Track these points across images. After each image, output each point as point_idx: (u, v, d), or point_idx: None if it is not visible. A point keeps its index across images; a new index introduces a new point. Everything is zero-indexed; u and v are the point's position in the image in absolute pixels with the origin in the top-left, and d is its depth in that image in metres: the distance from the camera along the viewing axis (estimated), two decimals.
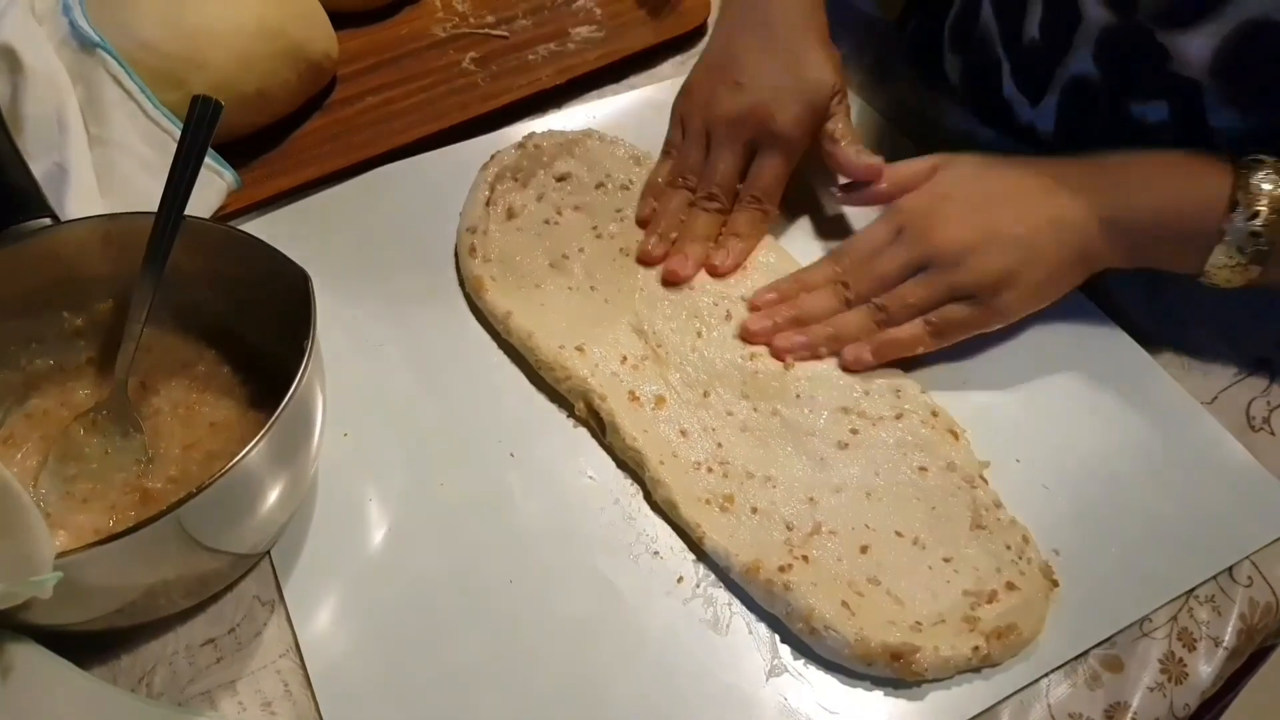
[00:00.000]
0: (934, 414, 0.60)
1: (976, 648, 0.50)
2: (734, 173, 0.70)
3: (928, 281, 0.61)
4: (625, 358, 0.62)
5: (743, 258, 0.68)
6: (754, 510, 0.56)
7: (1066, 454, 0.59)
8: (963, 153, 0.66)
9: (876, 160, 0.67)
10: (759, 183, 0.69)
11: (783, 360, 0.62)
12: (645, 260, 0.68)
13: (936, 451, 0.58)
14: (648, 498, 0.58)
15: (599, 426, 0.60)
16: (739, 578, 0.53)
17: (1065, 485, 0.58)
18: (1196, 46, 0.59)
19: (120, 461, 0.55)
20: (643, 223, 0.70)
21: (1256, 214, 0.56)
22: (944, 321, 0.61)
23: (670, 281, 0.66)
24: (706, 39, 0.76)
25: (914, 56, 0.83)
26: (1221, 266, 0.59)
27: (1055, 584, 0.53)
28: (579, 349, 0.62)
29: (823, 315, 0.63)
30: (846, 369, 0.61)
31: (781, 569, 0.52)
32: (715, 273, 0.67)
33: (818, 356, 0.62)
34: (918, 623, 0.51)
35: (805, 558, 0.53)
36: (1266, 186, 0.56)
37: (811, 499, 0.56)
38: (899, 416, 0.60)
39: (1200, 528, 0.56)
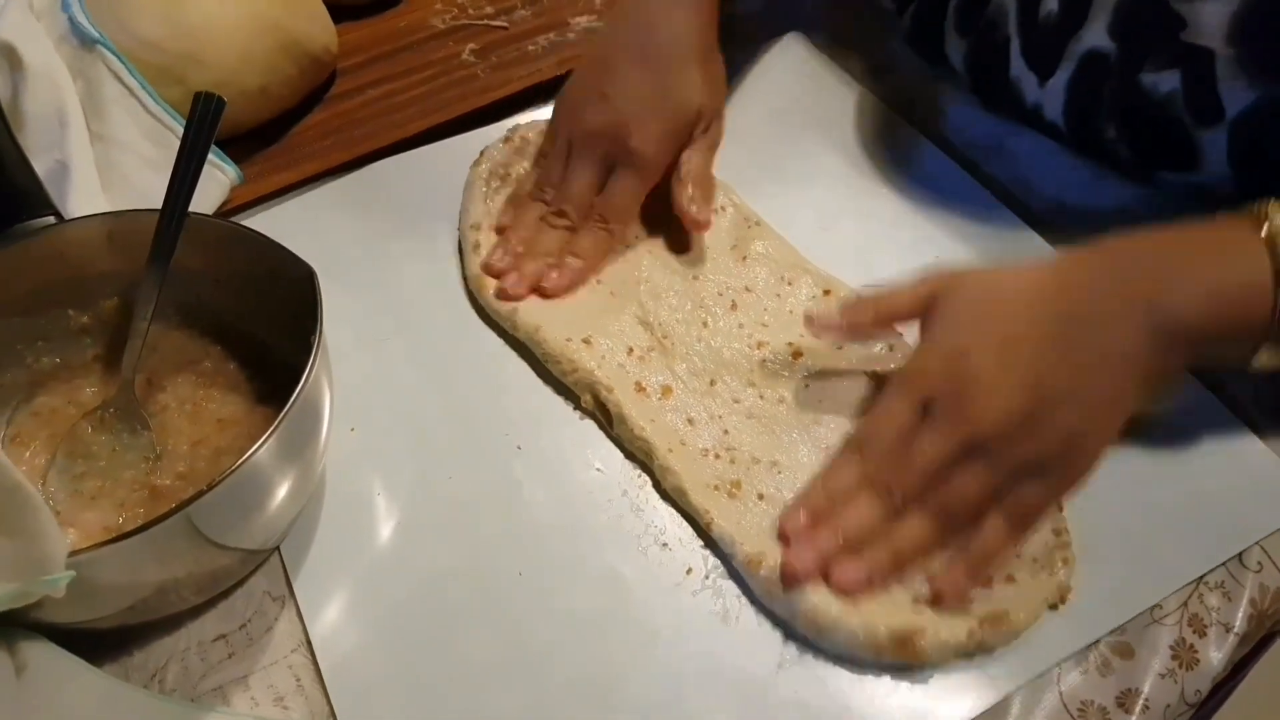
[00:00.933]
0: None
1: (971, 631, 0.50)
2: (587, 189, 0.67)
3: (987, 468, 0.51)
4: (631, 349, 0.62)
5: (577, 280, 0.65)
6: (760, 497, 0.56)
7: None
8: (957, 271, 0.57)
9: (706, 218, 0.66)
10: (609, 203, 0.67)
11: (846, 589, 0.52)
12: (489, 272, 0.66)
13: None
14: (657, 487, 0.58)
15: (606, 418, 0.60)
16: (740, 567, 0.53)
17: None
18: (1213, 13, 0.59)
19: (129, 459, 0.55)
20: (500, 230, 0.69)
21: None
22: (1025, 510, 0.52)
23: (501, 298, 0.64)
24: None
25: (915, 41, 0.83)
26: (1273, 353, 0.52)
27: (1063, 601, 0.53)
28: (585, 341, 0.62)
29: (872, 530, 0.53)
30: (943, 605, 0.51)
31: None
32: (544, 294, 0.64)
33: (876, 586, 0.52)
34: (915, 599, 0.51)
35: None
36: None
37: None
38: None
39: (1211, 514, 0.56)
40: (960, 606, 0.51)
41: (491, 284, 0.65)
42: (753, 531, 0.54)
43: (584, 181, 0.67)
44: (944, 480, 0.52)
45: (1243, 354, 0.52)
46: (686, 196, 0.66)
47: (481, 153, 0.72)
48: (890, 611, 0.51)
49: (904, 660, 0.50)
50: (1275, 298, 0.50)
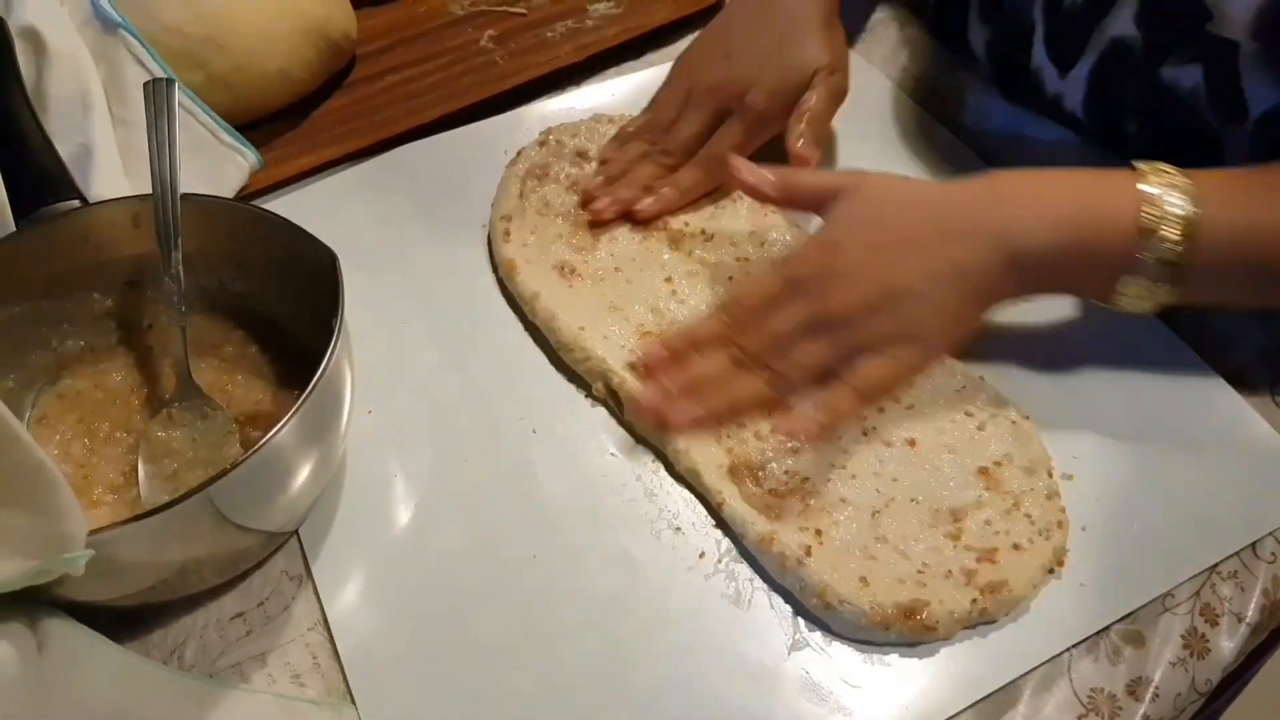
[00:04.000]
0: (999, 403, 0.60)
1: (974, 600, 0.51)
2: (696, 136, 0.70)
3: (826, 342, 0.57)
4: (646, 334, 0.62)
5: (669, 207, 0.69)
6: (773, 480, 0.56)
7: (1088, 429, 0.59)
8: (869, 175, 0.60)
9: (811, 153, 0.67)
10: (716, 145, 0.69)
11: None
12: (585, 197, 0.69)
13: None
14: (670, 470, 0.58)
15: (618, 405, 0.60)
16: (753, 547, 0.54)
17: (1088, 460, 0.58)
18: (1240, 5, 0.59)
19: (214, 439, 0.55)
20: (602, 162, 0.72)
21: (1164, 239, 0.53)
22: (867, 385, 0.56)
23: (591, 221, 0.68)
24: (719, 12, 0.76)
25: (937, 28, 0.83)
26: (1132, 295, 0.56)
27: (1060, 564, 0.54)
28: (599, 331, 0.62)
29: (715, 380, 0.58)
30: (789, 435, 0.56)
31: (796, 545, 0.53)
32: (635, 217, 0.68)
33: (711, 426, 0.58)
34: (920, 571, 0.52)
35: (819, 531, 0.54)
36: (1175, 209, 0.53)
37: (833, 465, 0.57)
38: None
39: (1224, 503, 0.56)
40: (798, 437, 0.56)
41: (525, 266, 0.66)
42: (764, 511, 0.55)
43: (694, 128, 0.70)
44: (790, 347, 0.58)
45: (1102, 288, 0.56)
46: (797, 132, 0.68)
47: (519, 153, 0.73)
48: (896, 588, 0.52)
49: (911, 634, 0.51)
50: (1136, 236, 0.53)
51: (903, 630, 0.51)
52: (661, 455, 0.59)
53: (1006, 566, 0.53)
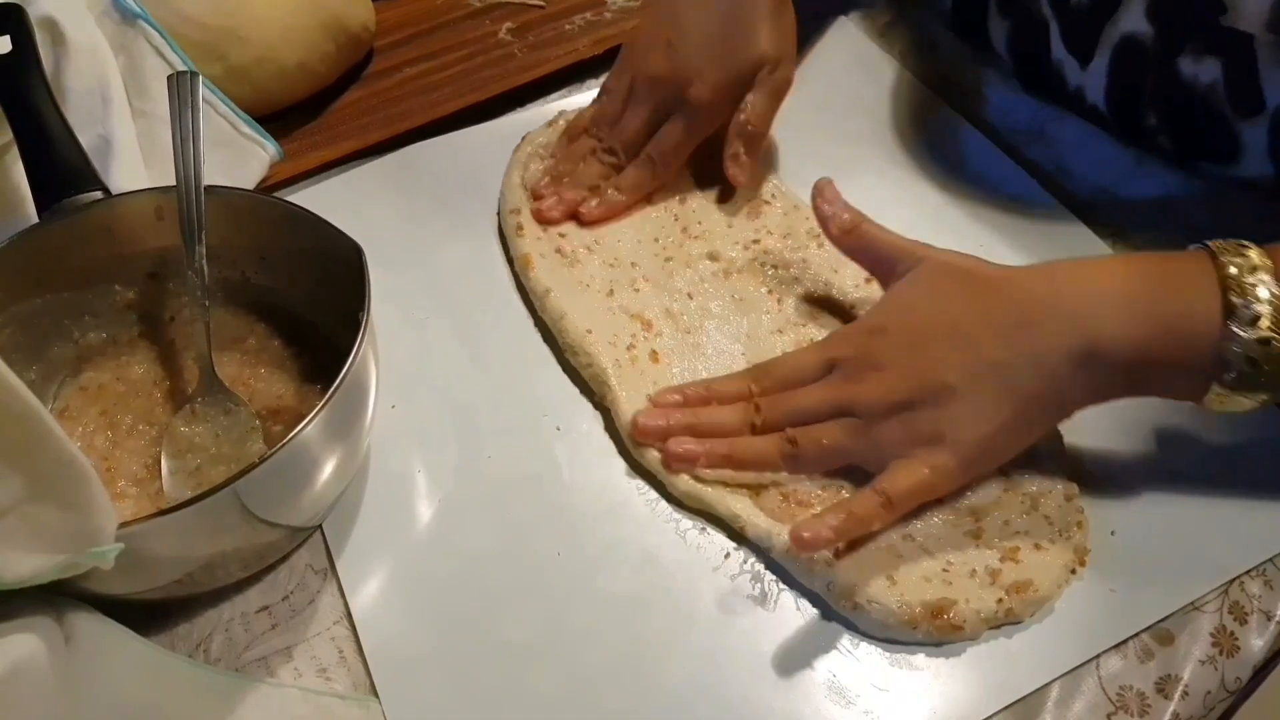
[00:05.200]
0: None
1: (1000, 600, 0.51)
2: (640, 131, 0.68)
3: (847, 430, 0.54)
4: (655, 353, 0.61)
5: (612, 212, 0.67)
6: (784, 497, 0.55)
7: (1117, 436, 0.58)
8: (932, 252, 0.57)
9: (741, 178, 0.67)
10: (659, 144, 0.68)
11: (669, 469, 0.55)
12: (534, 196, 0.68)
13: None
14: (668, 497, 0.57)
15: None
16: (780, 558, 0.53)
17: (1115, 467, 0.57)
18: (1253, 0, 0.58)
19: (237, 435, 0.55)
20: (551, 158, 0.71)
21: (1257, 326, 0.47)
22: (896, 493, 0.51)
23: (539, 220, 0.67)
24: None
25: (957, 22, 0.82)
26: (1225, 395, 0.49)
27: (1082, 564, 0.53)
28: (605, 335, 0.61)
29: (723, 433, 0.56)
30: (801, 547, 0.50)
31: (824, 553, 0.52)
32: (580, 220, 0.67)
33: (702, 466, 0.55)
34: (945, 570, 0.52)
35: None
36: (1264, 293, 0.47)
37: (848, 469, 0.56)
38: None
39: (1253, 510, 0.55)
40: (809, 550, 0.51)
41: (540, 261, 0.65)
42: (787, 522, 0.54)
43: (638, 123, 0.68)
44: (807, 424, 0.55)
45: (1193, 390, 0.50)
46: (731, 151, 0.67)
47: (524, 137, 0.73)
48: (922, 587, 0.51)
49: (939, 633, 0.50)
50: (1222, 335, 0.48)
51: (930, 630, 0.50)
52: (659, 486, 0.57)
53: (1029, 566, 0.52)
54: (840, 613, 0.52)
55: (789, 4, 0.69)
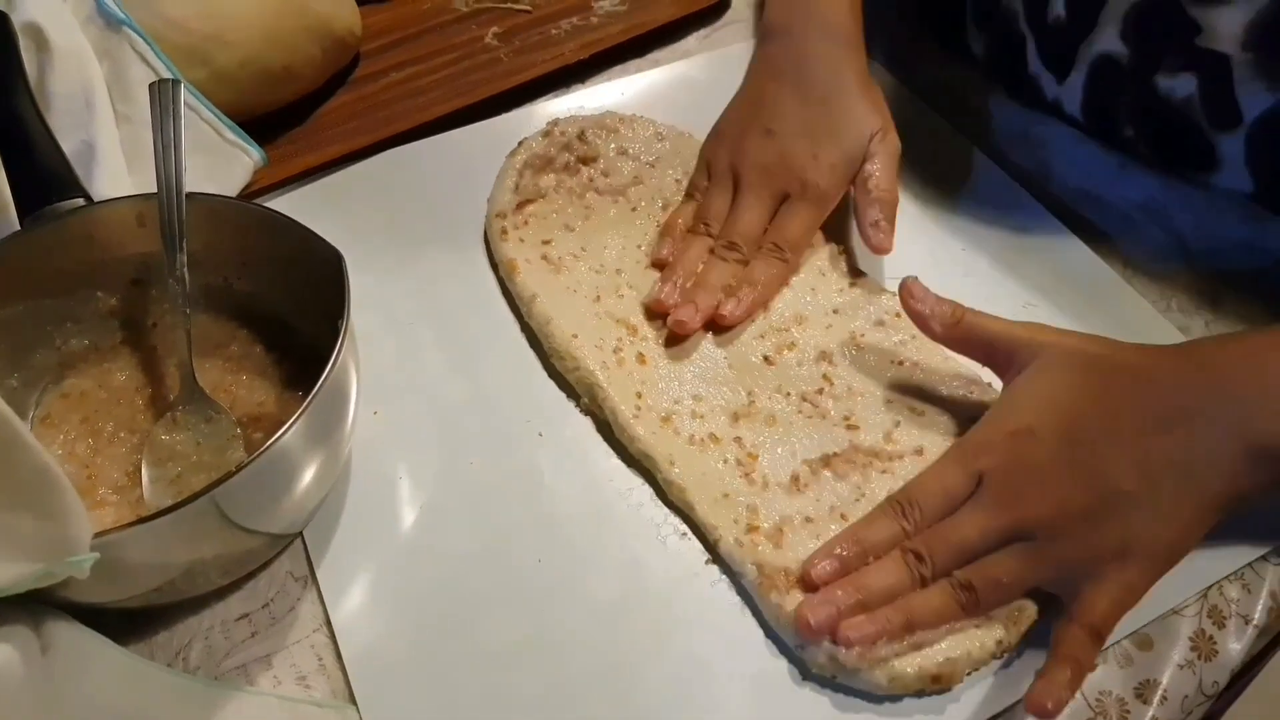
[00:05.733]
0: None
1: (999, 640, 0.50)
2: (759, 222, 0.65)
3: (1026, 557, 0.49)
4: (642, 355, 0.61)
5: (753, 309, 0.63)
6: (773, 524, 0.54)
7: None
8: (1053, 335, 0.54)
9: (888, 243, 0.63)
10: (784, 232, 0.65)
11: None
12: (657, 308, 0.63)
13: None
14: (661, 496, 0.57)
15: (603, 422, 0.60)
16: (750, 588, 0.52)
17: None
18: (1230, 20, 0.59)
19: (218, 443, 0.55)
20: (659, 264, 0.66)
21: None
22: (1103, 623, 0.48)
23: (676, 334, 0.62)
24: (740, 85, 0.72)
25: (939, 31, 0.83)
26: None
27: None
28: (591, 340, 0.61)
29: (892, 594, 0.50)
30: (1043, 715, 0.46)
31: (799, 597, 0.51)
32: (722, 323, 0.62)
33: (883, 643, 0.50)
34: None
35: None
36: None
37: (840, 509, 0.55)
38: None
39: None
40: (1059, 713, 0.47)
41: (525, 266, 0.65)
42: (765, 551, 0.53)
43: (756, 214, 0.65)
44: (979, 560, 0.50)
45: None
46: (870, 220, 0.64)
47: (520, 143, 0.72)
48: (922, 654, 0.49)
49: (935, 691, 0.49)
50: None
51: (926, 690, 0.49)
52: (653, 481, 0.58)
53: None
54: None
55: (873, 83, 0.69)
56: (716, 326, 0.63)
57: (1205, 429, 0.48)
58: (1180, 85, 0.64)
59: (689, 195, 0.70)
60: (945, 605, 0.50)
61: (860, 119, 0.66)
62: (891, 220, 0.64)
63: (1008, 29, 0.73)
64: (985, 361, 0.57)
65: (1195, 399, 0.49)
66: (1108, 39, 0.65)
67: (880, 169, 0.65)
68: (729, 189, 0.67)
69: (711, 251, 0.65)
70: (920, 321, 0.58)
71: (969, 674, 0.50)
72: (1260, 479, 0.48)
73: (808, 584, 0.51)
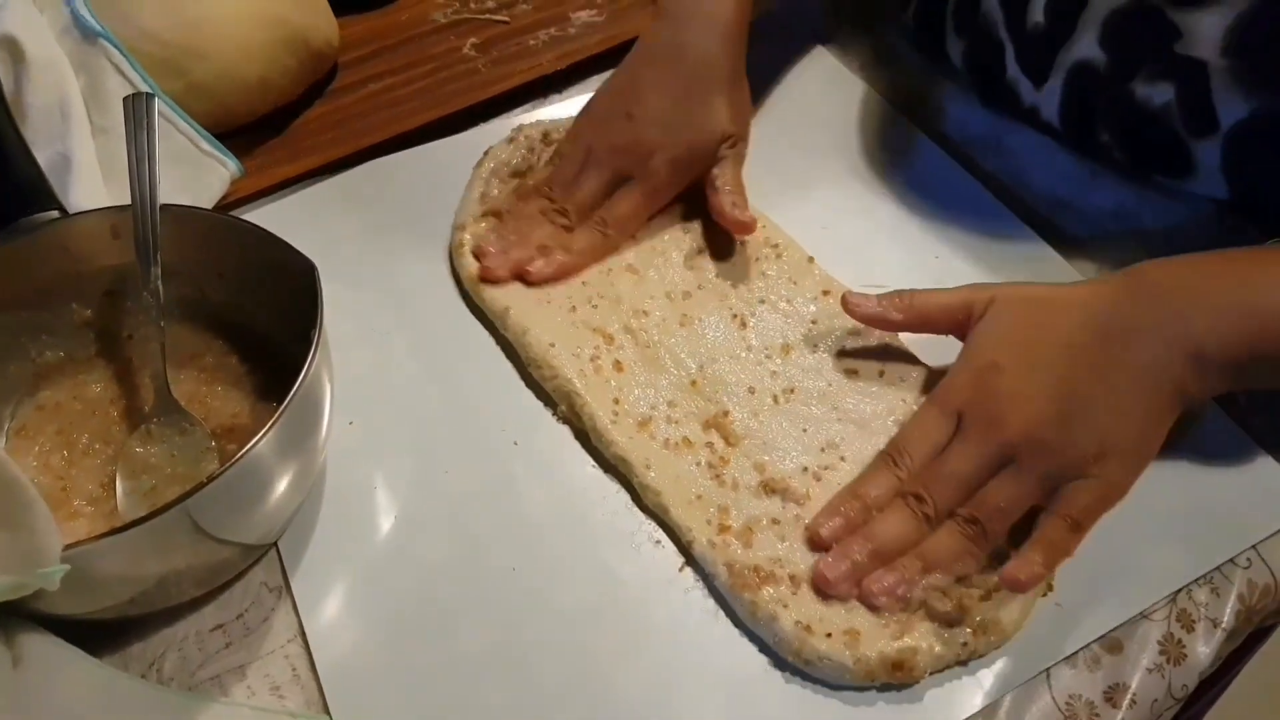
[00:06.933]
0: None
1: (965, 644, 0.50)
2: (594, 196, 0.68)
3: (1016, 478, 0.52)
4: (619, 363, 0.61)
5: (561, 273, 0.66)
6: (746, 525, 0.55)
7: None
8: (999, 287, 0.58)
9: (749, 218, 0.65)
10: (612, 209, 0.67)
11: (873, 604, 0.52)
12: (478, 254, 0.67)
13: None
14: (637, 501, 0.57)
15: (580, 430, 0.60)
16: (724, 589, 0.53)
17: None
18: (1208, 25, 0.59)
19: (192, 455, 0.55)
20: (496, 215, 0.69)
21: None
22: (1083, 515, 0.52)
23: (482, 278, 0.65)
24: (622, 62, 0.72)
25: (917, 38, 0.83)
26: None
27: (1050, 589, 0.53)
28: (569, 348, 0.61)
29: (905, 541, 0.53)
30: (1018, 589, 0.51)
31: (769, 593, 0.52)
32: (527, 280, 0.65)
33: (909, 592, 0.52)
34: (899, 619, 0.51)
35: (793, 577, 0.53)
36: None
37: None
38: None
39: (1201, 519, 0.56)
40: (1025, 589, 0.51)
41: (486, 286, 0.65)
42: (738, 554, 0.54)
43: (593, 187, 0.68)
44: (976, 491, 0.53)
45: None
46: (728, 201, 0.66)
47: (486, 152, 0.73)
48: (878, 634, 0.51)
49: (898, 681, 0.50)
50: None
51: (889, 680, 0.50)
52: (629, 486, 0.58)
53: (996, 602, 0.51)
54: (789, 662, 0.51)
55: (744, 80, 0.70)
56: (526, 282, 0.65)
57: (1151, 339, 0.52)
58: (1158, 93, 0.65)
59: (550, 160, 0.72)
60: (956, 542, 0.53)
61: (716, 122, 0.67)
62: (745, 204, 0.67)
63: (987, 35, 0.74)
64: (948, 330, 0.59)
65: (1140, 315, 0.53)
66: (1086, 45, 0.66)
67: (726, 172, 0.67)
68: (580, 161, 0.69)
69: (542, 213, 0.68)
70: (877, 321, 0.60)
71: (931, 673, 0.50)
72: (1203, 383, 0.53)
73: (817, 544, 0.54)
